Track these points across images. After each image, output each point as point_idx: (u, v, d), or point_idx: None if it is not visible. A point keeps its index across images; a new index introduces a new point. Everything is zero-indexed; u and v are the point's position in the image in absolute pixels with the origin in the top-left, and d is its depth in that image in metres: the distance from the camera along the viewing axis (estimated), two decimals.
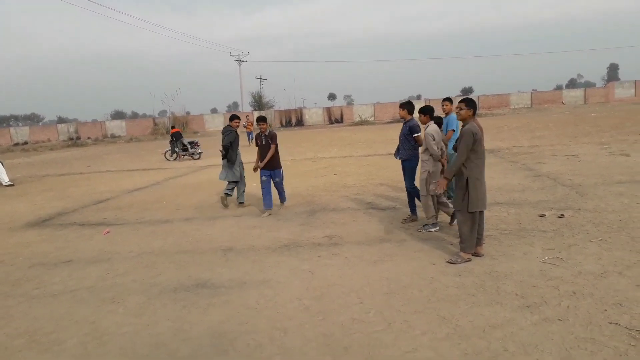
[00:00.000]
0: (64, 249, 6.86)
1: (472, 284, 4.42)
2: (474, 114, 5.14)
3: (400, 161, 6.99)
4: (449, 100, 7.45)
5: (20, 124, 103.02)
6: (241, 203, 8.95)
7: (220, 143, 8.72)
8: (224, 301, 4.45)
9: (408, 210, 7.13)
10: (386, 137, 24.26)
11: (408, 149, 6.75)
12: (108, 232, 7.64)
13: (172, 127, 21.95)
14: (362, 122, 46.60)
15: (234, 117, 8.89)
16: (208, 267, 5.50)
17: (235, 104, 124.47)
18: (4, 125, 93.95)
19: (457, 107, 5.27)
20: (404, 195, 8.60)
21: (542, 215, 6.69)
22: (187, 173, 15.20)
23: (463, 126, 5.09)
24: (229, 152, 8.68)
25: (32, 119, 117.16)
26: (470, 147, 4.91)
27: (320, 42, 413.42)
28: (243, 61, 63.73)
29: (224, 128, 8.88)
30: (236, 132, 8.83)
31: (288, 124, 50.78)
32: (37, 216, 9.50)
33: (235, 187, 8.99)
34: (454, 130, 7.37)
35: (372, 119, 49.51)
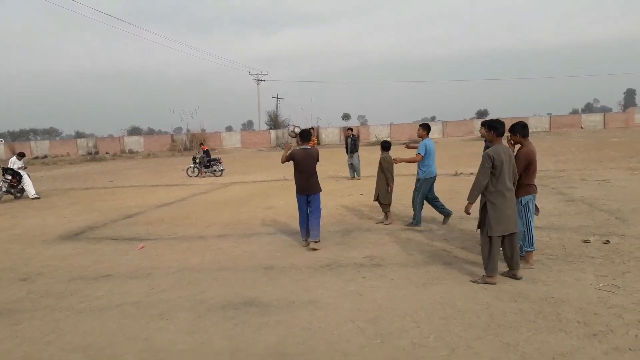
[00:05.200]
0: (101, 262, 6.85)
1: (530, 310, 4.31)
2: (497, 135, 5.21)
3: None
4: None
5: (39, 137, 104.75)
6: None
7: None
8: (275, 321, 4.38)
9: (444, 231, 7.08)
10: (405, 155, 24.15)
11: None
12: (142, 247, 7.64)
13: (201, 145, 22.16)
14: (378, 142, 46.63)
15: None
16: (252, 285, 5.45)
17: (250, 122, 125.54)
18: (24, 138, 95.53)
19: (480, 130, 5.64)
20: (438, 217, 8.60)
21: (586, 241, 6.55)
22: (211, 190, 15.24)
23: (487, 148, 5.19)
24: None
25: (50, 133, 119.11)
26: (488, 169, 4.98)
27: (336, 63, 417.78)
28: (262, 80, 64.58)
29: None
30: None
31: None
32: (68, 229, 9.55)
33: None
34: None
35: (389, 139, 49.53)
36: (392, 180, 8.43)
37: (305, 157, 6.97)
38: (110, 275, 6.22)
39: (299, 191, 7.11)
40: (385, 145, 8.82)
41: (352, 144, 15.69)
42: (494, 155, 4.97)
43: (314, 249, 6.83)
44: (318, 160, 7.14)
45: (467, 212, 5.18)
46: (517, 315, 4.22)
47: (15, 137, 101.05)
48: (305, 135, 7.19)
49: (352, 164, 15.76)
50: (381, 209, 8.68)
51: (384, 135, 49.90)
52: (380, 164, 8.52)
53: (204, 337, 4.13)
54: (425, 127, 8.28)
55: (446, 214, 8.16)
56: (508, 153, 5.13)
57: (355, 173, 15.92)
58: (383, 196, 8.42)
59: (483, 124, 7.79)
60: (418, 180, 8.15)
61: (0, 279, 6.31)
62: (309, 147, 7.11)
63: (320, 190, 7.21)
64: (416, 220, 8.11)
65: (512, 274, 5.19)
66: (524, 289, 4.86)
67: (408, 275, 5.48)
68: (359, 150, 16.22)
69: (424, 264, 5.89)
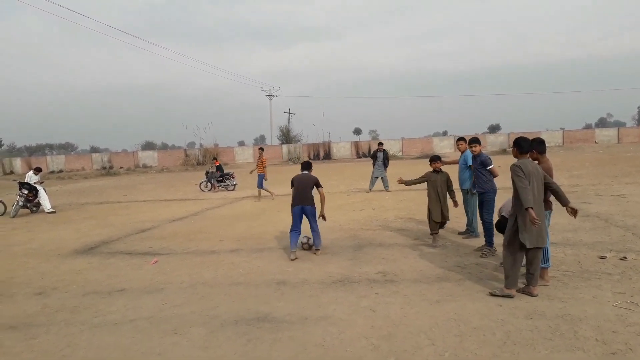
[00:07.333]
0: (115, 277, 6.90)
1: (547, 328, 4.25)
2: (522, 152, 5.28)
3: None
4: (462, 139, 8.33)
5: (55, 152, 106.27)
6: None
7: None
8: (288, 337, 4.37)
9: (457, 247, 7.03)
10: (418, 172, 24.09)
11: (485, 182, 7.14)
12: (156, 261, 7.68)
13: (214, 159, 22.39)
14: (390, 157, 46.53)
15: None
16: (265, 300, 5.44)
17: (263, 137, 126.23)
18: (40, 153, 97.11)
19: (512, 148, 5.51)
20: (452, 231, 8.55)
21: (602, 257, 6.46)
22: (223, 204, 15.31)
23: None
24: None
25: (66, 148, 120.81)
26: (522, 177, 4.98)
27: (346, 78, 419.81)
28: (274, 96, 65.21)
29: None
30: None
31: (316, 157, 51.13)
32: (83, 244, 9.64)
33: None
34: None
35: (400, 154, 49.45)
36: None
37: (302, 177, 7.78)
38: (124, 289, 6.26)
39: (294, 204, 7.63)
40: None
41: (384, 157, 16.57)
42: (521, 166, 5.00)
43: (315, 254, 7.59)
44: (316, 185, 7.71)
45: (532, 219, 4.75)
46: (533, 333, 4.16)
47: (31, 151, 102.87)
48: (305, 165, 8.11)
49: (383, 177, 16.55)
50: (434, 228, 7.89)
51: (395, 150, 49.81)
52: (446, 181, 8.00)
53: (217, 352, 4.13)
54: (465, 140, 8.28)
55: (472, 232, 8.21)
56: (535, 167, 5.14)
57: (384, 185, 16.63)
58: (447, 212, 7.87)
59: (469, 140, 7.70)
60: (467, 191, 8.21)
61: (16, 292, 6.39)
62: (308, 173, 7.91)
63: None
64: (475, 232, 8.19)
65: (528, 291, 5.12)
66: (540, 306, 4.80)
67: (422, 292, 5.44)
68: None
69: (437, 280, 5.85)
